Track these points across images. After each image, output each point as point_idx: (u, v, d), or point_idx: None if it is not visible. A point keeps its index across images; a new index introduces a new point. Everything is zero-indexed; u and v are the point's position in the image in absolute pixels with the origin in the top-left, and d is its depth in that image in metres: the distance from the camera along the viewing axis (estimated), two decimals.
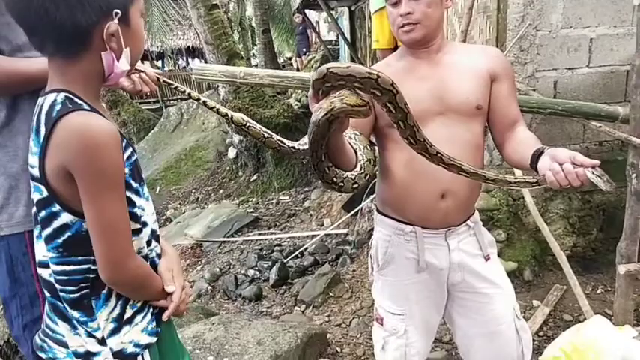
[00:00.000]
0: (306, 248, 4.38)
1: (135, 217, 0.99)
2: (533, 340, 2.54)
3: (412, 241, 1.52)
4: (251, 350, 2.19)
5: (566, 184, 1.09)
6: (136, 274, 0.98)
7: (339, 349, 2.73)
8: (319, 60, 8.73)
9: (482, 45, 2.85)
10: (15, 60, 1.19)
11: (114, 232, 0.92)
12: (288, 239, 4.80)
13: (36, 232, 0.99)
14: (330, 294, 3.40)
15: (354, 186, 1.32)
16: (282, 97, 7.51)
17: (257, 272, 4.14)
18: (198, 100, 1.52)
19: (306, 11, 11.25)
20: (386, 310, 1.62)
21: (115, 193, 0.91)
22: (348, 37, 8.50)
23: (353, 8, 8.74)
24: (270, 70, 2.14)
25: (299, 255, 4.30)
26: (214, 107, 1.50)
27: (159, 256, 1.11)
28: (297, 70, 10.98)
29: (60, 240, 0.93)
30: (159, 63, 15.69)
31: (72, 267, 0.94)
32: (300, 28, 11.12)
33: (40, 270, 1.00)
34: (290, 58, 17.42)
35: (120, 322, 1.00)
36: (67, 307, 0.97)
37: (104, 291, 0.98)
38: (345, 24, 9.06)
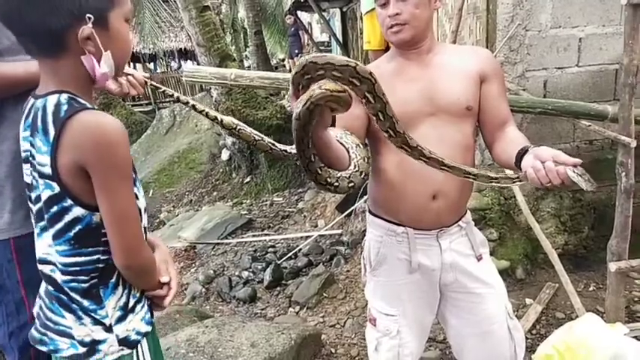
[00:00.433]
0: (300, 249, 4.37)
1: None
2: (526, 339, 2.56)
3: (404, 242, 1.52)
4: (245, 353, 2.19)
5: (546, 182, 1.09)
6: (147, 260, 1.05)
7: (333, 350, 2.73)
8: None
9: (472, 46, 2.87)
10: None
11: (127, 221, 0.98)
12: (282, 241, 4.79)
13: (37, 230, 1.03)
14: (325, 295, 3.41)
15: (350, 185, 1.30)
16: (274, 98, 7.51)
17: (251, 274, 4.14)
18: (187, 103, 1.54)
19: (299, 12, 11.27)
20: (379, 311, 1.62)
21: (127, 185, 0.97)
22: (340, 38, 8.52)
23: (344, 9, 8.76)
24: (261, 72, 2.15)
25: (293, 256, 4.29)
26: (204, 111, 1.50)
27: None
28: (290, 71, 10.98)
29: (71, 233, 0.98)
30: (151, 65, 15.66)
31: (83, 258, 1.00)
32: (292, 29, 11.11)
33: (40, 267, 1.04)
34: (283, 60, 17.40)
35: (126, 311, 1.06)
36: (77, 298, 1.01)
37: (112, 280, 1.04)
38: (336, 25, 9.06)
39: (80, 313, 1.02)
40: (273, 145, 1.47)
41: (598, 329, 2.06)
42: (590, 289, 2.97)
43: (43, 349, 1.05)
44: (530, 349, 2.40)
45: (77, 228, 0.97)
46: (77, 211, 0.96)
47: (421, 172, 1.34)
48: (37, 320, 1.08)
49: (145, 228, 1.14)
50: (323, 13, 8.88)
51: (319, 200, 5.45)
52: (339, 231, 4.55)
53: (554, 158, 1.08)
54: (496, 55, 2.85)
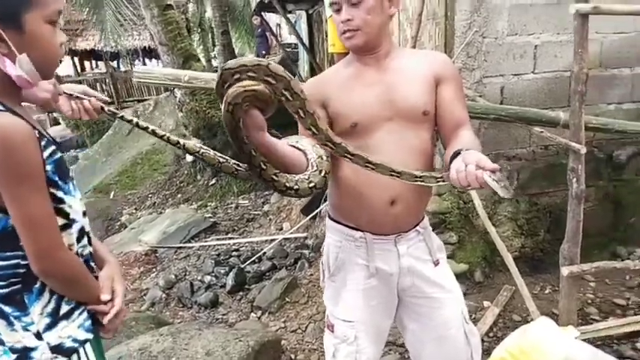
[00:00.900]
0: (265, 253, 4.33)
1: (62, 213, 1.02)
2: (484, 341, 2.60)
3: (362, 247, 1.52)
4: None
5: (466, 184, 1.11)
6: (67, 267, 1.01)
7: (293, 356, 2.71)
8: (278, 62, 8.69)
9: (429, 50, 2.89)
10: None
11: (38, 225, 0.95)
12: (247, 244, 4.73)
13: None
14: (287, 299, 3.38)
15: (311, 185, 1.29)
16: None
17: (214, 278, 4.07)
18: (146, 129, 1.48)
19: (268, 14, 11.18)
20: (336, 317, 1.62)
21: (35, 188, 0.94)
22: (307, 40, 8.50)
23: (310, 12, 8.75)
24: (216, 74, 2.09)
25: (257, 260, 4.24)
26: (165, 136, 1.45)
27: (91, 256, 1.14)
28: None
29: None
30: (114, 63, 15.27)
31: (1, 263, 0.97)
32: (259, 30, 11.03)
33: None
34: None
35: (56, 317, 1.03)
36: (1, 304, 0.99)
37: (36, 286, 1.01)
38: (303, 27, 9.05)
39: (11, 318, 0.99)
40: (238, 165, 1.44)
41: (551, 333, 2.09)
42: (547, 291, 3.04)
43: None
44: (487, 352, 2.41)
45: None
46: None
47: (379, 177, 1.34)
48: None
49: (87, 234, 1.12)
50: (289, 15, 8.82)
51: (285, 203, 5.41)
52: (304, 234, 4.53)
53: (477, 162, 1.09)
54: (454, 62, 2.89)
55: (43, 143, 0.96)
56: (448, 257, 3.08)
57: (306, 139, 1.36)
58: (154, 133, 1.46)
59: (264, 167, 1.22)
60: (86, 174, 8.59)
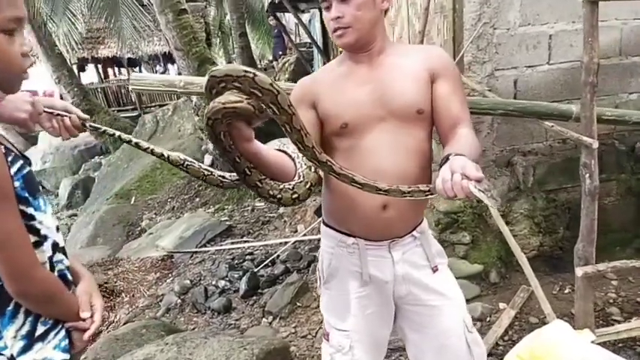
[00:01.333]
0: (278, 256, 4.28)
1: (33, 230, 0.99)
2: (498, 345, 2.50)
3: (355, 253, 1.47)
4: None
5: (452, 195, 1.04)
6: (44, 286, 0.99)
7: None
8: (293, 63, 8.67)
9: (424, 45, 2.79)
10: None
11: (11, 245, 0.92)
12: (261, 247, 4.70)
13: None
14: (298, 304, 3.32)
15: (294, 196, 1.27)
16: None
17: (228, 283, 4.04)
18: (129, 142, 1.48)
19: (284, 14, 11.18)
20: (331, 325, 1.58)
21: (4, 206, 0.91)
22: (321, 39, 8.43)
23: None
24: None
25: (270, 263, 4.20)
26: (148, 148, 1.44)
27: (68, 270, 1.11)
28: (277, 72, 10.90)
29: None
30: (136, 69, 15.53)
31: None
32: (276, 31, 11.03)
33: None
34: (271, 61, 17.35)
35: (31, 339, 0.99)
36: None
37: (9, 308, 0.98)
38: (317, 26, 8.98)
39: None
40: (223, 177, 1.43)
41: (565, 337, 1.99)
42: (566, 291, 2.90)
43: None
44: (501, 357, 2.33)
45: None
46: None
47: (372, 178, 1.27)
48: None
49: (61, 249, 1.09)
50: (305, 15, 8.78)
51: (300, 205, 5.37)
52: (318, 236, 4.46)
53: (462, 170, 1.02)
54: (464, 55, 2.79)
55: (9, 158, 0.93)
56: (461, 258, 3.03)
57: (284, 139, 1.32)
58: (137, 145, 1.45)
59: (248, 173, 1.18)
60: (109, 179, 8.73)
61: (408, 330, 1.56)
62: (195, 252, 4.84)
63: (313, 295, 3.38)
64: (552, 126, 1.97)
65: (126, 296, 4.43)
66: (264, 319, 3.36)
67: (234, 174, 1.44)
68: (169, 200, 7.27)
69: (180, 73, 7.00)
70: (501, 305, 2.81)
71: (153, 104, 13.24)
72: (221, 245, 4.91)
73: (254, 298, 3.73)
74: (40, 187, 1.05)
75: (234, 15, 10.39)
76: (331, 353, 1.55)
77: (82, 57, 13.39)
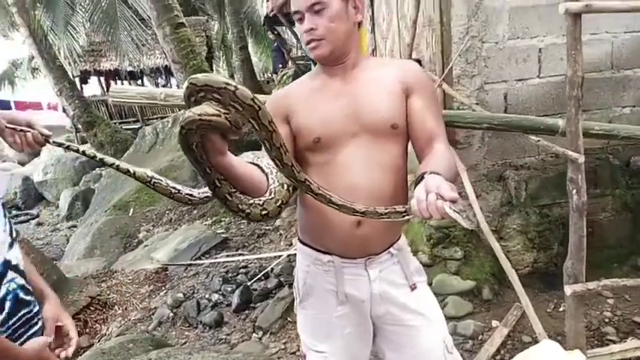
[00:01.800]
0: (272, 270, 4.24)
1: None
2: None
3: (331, 271, 1.44)
4: None
5: (428, 216, 1.00)
6: None
7: None
8: (291, 76, 8.68)
9: (398, 59, 2.78)
10: None
11: None
12: (256, 260, 4.66)
13: None
14: (289, 319, 3.28)
15: (263, 212, 1.24)
16: None
17: (221, 297, 4.00)
18: (94, 157, 1.51)
19: (284, 28, 11.23)
20: (308, 347, 1.54)
21: None
22: None
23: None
24: None
25: (264, 277, 4.16)
26: (114, 164, 1.44)
27: (24, 289, 1.08)
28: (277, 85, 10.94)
29: None
30: (139, 82, 15.64)
31: None
32: (275, 44, 11.11)
33: None
34: (272, 74, 17.45)
35: None
36: None
37: None
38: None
39: None
40: (191, 195, 1.42)
41: (554, 357, 1.94)
42: (561, 309, 2.84)
43: None
44: None
45: None
46: None
47: (345, 195, 1.25)
48: None
49: (14, 267, 1.06)
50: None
51: (296, 218, 5.33)
52: None
53: (437, 190, 0.99)
54: (452, 68, 2.77)
55: None
56: (453, 273, 2.98)
57: (259, 152, 1.29)
58: (102, 161, 1.46)
59: (218, 185, 1.15)
60: (108, 191, 8.72)
61: (386, 350, 1.52)
62: (190, 265, 4.81)
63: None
64: (538, 140, 1.94)
65: (118, 309, 4.40)
66: (254, 334, 3.32)
67: (203, 191, 1.42)
68: (167, 212, 7.25)
69: (178, 86, 7.04)
70: (494, 323, 2.75)
71: (154, 116, 13.27)
72: (216, 258, 4.88)
73: (246, 312, 3.68)
74: None
75: (234, 29, 10.49)
76: None
77: (84, 69, 13.49)
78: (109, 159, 1.44)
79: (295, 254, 4.50)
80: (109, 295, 4.58)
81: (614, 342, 2.43)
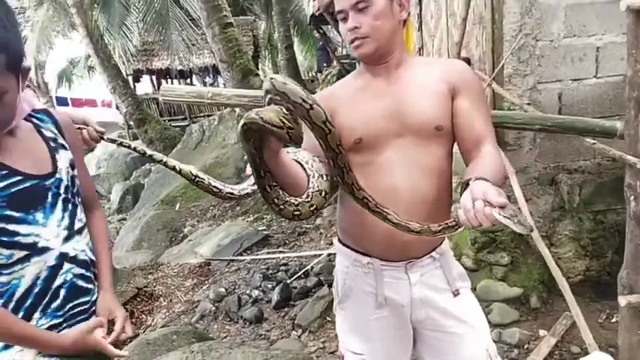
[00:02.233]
0: (312, 268, 4.26)
1: (17, 245, 1.02)
2: None
3: (370, 273, 1.41)
4: None
5: (477, 224, 0.96)
6: None
7: None
8: (335, 75, 8.68)
9: (445, 58, 2.70)
10: None
11: None
12: (296, 258, 4.69)
13: None
14: (328, 318, 3.27)
15: (296, 213, 1.25)
16: None
17: (261, 293, 4.06)
18: (144, 154, 1.54)
19: (329, 26, 11.24)
20: (346, 348, 1.52)
21: None
22: None
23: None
24: (238, 90, 2.11)
25: (303, 275, 4.18)
26: (162, 161, 1.48)
27: (83, 277, 1.14)
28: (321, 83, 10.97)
29: None
30: (188, 81, 16.10)
31: None
32: (321, 43, 11.14)
33: None
34: (316, 73, 17.52)
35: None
36: None
37: None
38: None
39: None
40: (232, 194, 1.44)
41: None
42: (614, 320, 2.70)
43: None
44: None
45: None
46: None
47: (386, 197, 1.23)
48: None
49: (72, 258, 1.11)
50: None
51: (336, 217, 5.33)
52: None
53: (484, 196, 0.95)
54: (504, 67, 2.68)
55: None
56: (500, 280, 2.89)
57: (317, 163, 1.29)
58: (151, 157, 1.49)
59: (262, 175, 1.18)
60: (157, 186, 9.01)
61: (427, 356, 1.48)
62: (232, 260, 4.90)
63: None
64: (594, 143, 1.85)
65: (164, 301, 4.54)
66: (293, 332, 3.34)
67: (243, 188, 1.43)
68: (211, 208, 7.42)
69: (225, 85, 7.19)
70: (541, 332, 2.65)
71: (201, 114, 13.62)
72: (257, 255, 4.94)
73: (285, 309, 3.71)
74: (47, 201, 1.08)
75: (281, 28, 10.59)
76: None
77: (137, 68, 14.02)
78: (158, 155, 1.48)
79: (335, 254, 4.50)
80: (155, 287, 4.74)
81: None
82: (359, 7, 1.25)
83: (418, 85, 1.31)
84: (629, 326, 1.89)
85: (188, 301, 4.36)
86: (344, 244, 1.48)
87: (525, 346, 2.58)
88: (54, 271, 1.08)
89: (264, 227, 5.84)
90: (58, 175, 1.11)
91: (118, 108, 11.69)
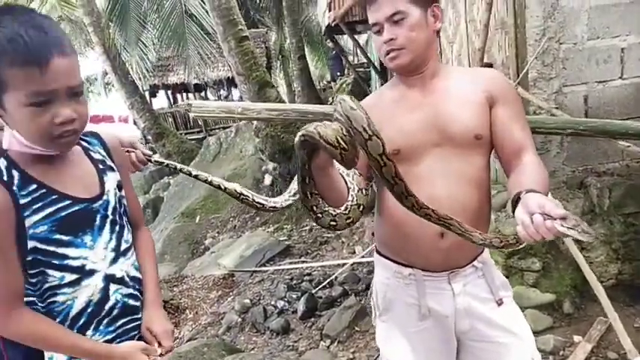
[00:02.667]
0: (336, 278, 4.25)
1: (67, 268, 1.04)
2: None
3: (412, 284, 1.40)
4: None
5: (539, 239, 0.96)
6: (22, 327, 1.02)
7: None
8: (350, 83, 8.73)
9: (479, 68, 2.70)
10: None
11: None
12: (319, 268, 4.69)
13: None
14: (356, 328, 3.27)
15: (332, 223, 1.29)
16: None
17: (286, 304, 4.07)
18: (190, 174, 1.60)
19: (341, 35, 11.31)
20: (388, 359, 1.50)
21: None
22: (378, 59, 8.44)
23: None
24: (268, 105, 2.13)
25: (328, 285, 4.18)
26: (207, 180, 1.54)
27: (132, 296, 1.15)
28: (335, 92, 11.02)
29: None
30: (202, 94, 16.27)
31: None
32: (334, 52, 11.21)
33: None
34: (329, 82, 17.59)
35: None
36: None
37: None
38: (374, 47, 9.00)
39: None
40: (274, 208, 1.53)
41: None
42: None
43: None
44: None
45: None
46: None
47: None
48: None
49: (120, 279, 1.12)
50: (360, 36, 8.81)
51: (357, 225, 5.31)
52: None
53: (541, 210, 0.94)
54: (528, 71, 2.67)
55: (38, 205, 1.00)
56: (531, 286, 2.86)
57: (357, 176, 1.32)
58: (196, 177, 1.54)
59: (307, 182, 1.22)
60: (176, 199, 9.12)
61: None
62: (255, 271, 4.91)
63: (372, 320, 3.31)
64: (629, 146, 1.83)
65: (190, 313, 4.57)
66: (322, 342, 3.33)
67: (285, 199, 1.46)
68: (231, 219, 7.47)
69: (241, 97, 7.25)
70: (576, 338, 2.60)
71: (217, 127, 13.75)
72: (280, 265, 4.96)
73: (312, 319, 3.71)
74: (95, 224, 1.10)
75: (293, 39, 10.65)
76: None
77: (153, 84, 14.24)
78: (203, 175, 1.53)
79: (360, 263, 4.49)
80: (180, 299, 4.77)
81: None
82: (394, 20, 1.26)
83: (455, 95, 1.31)
84: None
85: (214, 313, 4.38)
86: (383, 256, 1.47)
87: (560, 353, 2.54)
88: (105, 292, 1.09)
89: (285, 237, 5.86)
90: (105, 197, 1.12)
91: (135, 123, 11.86)
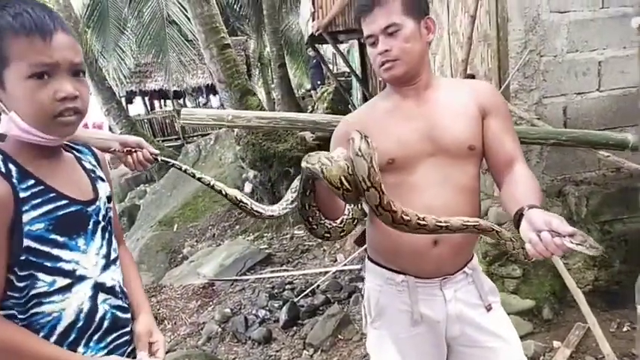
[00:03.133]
0: (318, 286, 4.24)
1: (61, 272, 0.98)
2: None
3: (404, 291, 1.41)
4: None
5: (548, 256, 0.99)
6: None
7: None
8: (332, 92, 8.78)
9: (471, 80, 2.77)
10: None
11: None
12: (301, 276, 4.67)
13: None
14: (339, 337, 3.26)
15: (326, 235, 1.34)
16: (296, 130, 7.53)
17: (268, 312, 4.03)
18: (193, 176, 1.57)
19: (322, 44, 11.39)
20: None
21: None
22: (359, 69, 8.55)
23: (363, 41, 8.81)
24: (258, 112, 2.14)
25: (310, 293, 4.16)
26: (209, 183, 1.52)
27: (121, 308, 1.10)
28: (316, 100, 11.08)
29: None
30: (181, 101, 16.13)
31: None
32: (314, 61, 11.27)
33: None
34: (309, 90, 17.66)
35: None
36: None
37: None
38: (356, 56, 9.10)
39: None
40: (272, 216, 1.57)
41: None
42: (625, 329, 2.72)
43: None
44: None
45: None
46: None
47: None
48: None
49: (109, 289, 1.08)
50: (343, 45, 8.90)
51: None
52: (359, 266, 4.40)
53: (548, 227, 0.97)
54: (510, 83, 2.74)
55: (37, 200, 0.95)
56: (512, 292, 2.90)
57: None
58: (200, 180, 1.53)
59: (306, 195, 1.25)
60: (153, 207, 8.97)
61: None
62: (236, 280, 4.86)
63: (355, 328, 3.31)
64: (608, 156, 1.89)
65: (168, 324, 4.48)
66: (305, 352, 3.31)
67: (283, 207, 1.47)
68: (210, 227, 7.38)
69: (222, 104, 7.21)
70: (555, 343, 2.66)
71: (195, 134, 13.64)
72: (261, 274, 4.92)
73: (294, 328, 3.68)
74: (88, 228, 1.05)
75: (273, 47, 10.65)
76: None
77: (130, 90, 14.05)
78: (207, 178, 1.52)
79: (342, 270, 4.48)
80: (158, 309, 4.67)
81: None
82: (389, 32, 1.28)
83: (449, 107, 1.34)
84: None
85: (193, 323, 4.30)
86: (375, 263, 1.48)
87: (540, 358, 2.59)
88: (94, 302, 1.04)
89: (266, 246, 5.83)
90: (98, 204, 1.10)
91: (111, 130, 11.66)
